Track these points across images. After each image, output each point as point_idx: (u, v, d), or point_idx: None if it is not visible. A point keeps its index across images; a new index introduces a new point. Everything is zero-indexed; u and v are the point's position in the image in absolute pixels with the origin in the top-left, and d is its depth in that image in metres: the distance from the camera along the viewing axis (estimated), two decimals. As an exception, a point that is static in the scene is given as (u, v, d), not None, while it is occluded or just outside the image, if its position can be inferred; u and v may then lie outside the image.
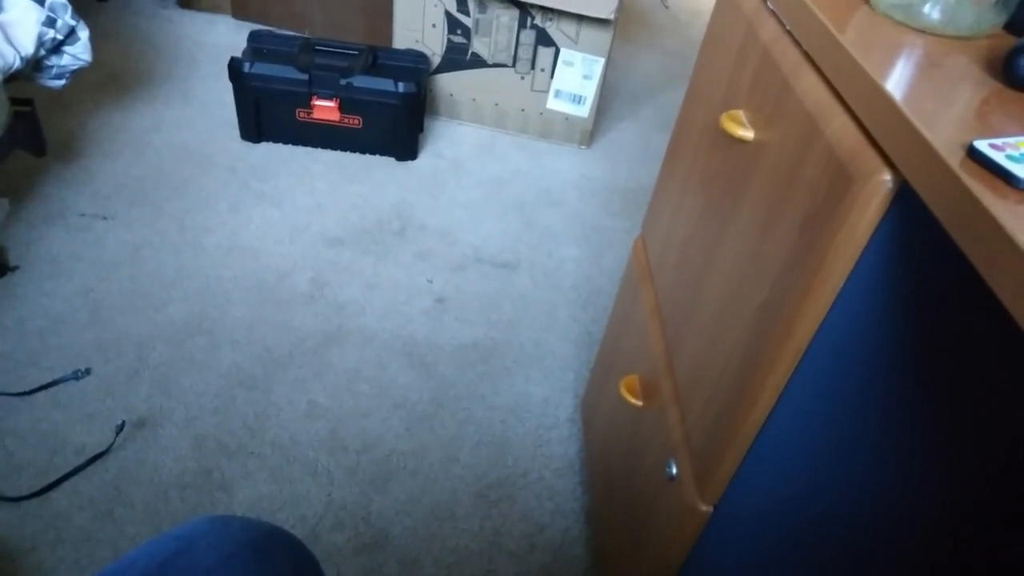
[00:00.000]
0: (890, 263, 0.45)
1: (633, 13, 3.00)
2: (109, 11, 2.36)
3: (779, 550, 0.55)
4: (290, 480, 1.17)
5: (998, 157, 0.37)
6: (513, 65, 1.99)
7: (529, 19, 1.91)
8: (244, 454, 1.19)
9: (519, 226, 1.78)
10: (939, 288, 0.40)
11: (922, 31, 0.54)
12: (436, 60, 2.02)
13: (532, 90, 2.03)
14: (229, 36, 2.33)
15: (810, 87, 0.56)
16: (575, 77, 1.98)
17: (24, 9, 1.35)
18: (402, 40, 2.00)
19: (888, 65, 0.49)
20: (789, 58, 0.60)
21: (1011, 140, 0.39)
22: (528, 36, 1.93)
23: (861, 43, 0.51)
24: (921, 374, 0.41)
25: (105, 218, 1.60)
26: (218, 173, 1.78)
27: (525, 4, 1.87)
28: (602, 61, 1.94)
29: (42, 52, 1.42)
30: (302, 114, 1.84)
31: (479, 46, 1.97)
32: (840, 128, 0.50)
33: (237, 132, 1.90)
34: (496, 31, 1.94)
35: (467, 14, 1.93)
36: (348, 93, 1.81)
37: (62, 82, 1.51)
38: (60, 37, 1.44)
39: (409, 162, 1.93)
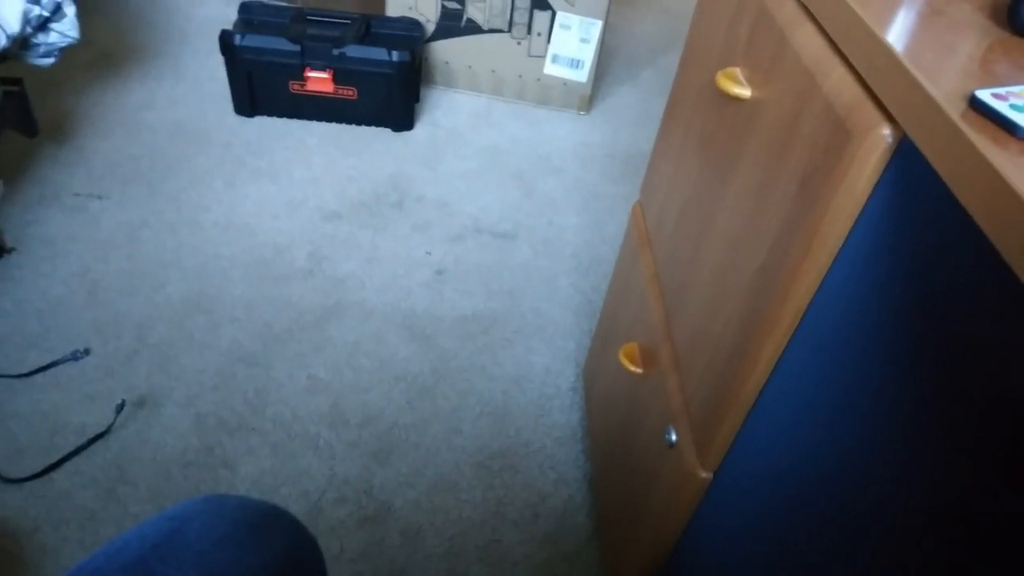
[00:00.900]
0: (890, 220, 0.44)
1: (631, -26, 2.94)
2: (97, -14, 2.33)
3: (779, 515, 0.55)
4: (292, 455, 1.17)
5: (1001, 107, 0.36)
6: (509, 30, 1.95)
7: (524, -18, 1.87)
8: (246, 430, 1.19)
9: (518, 195, 1.76)
10: (940, 246, 0.39)
11: (924, -23, 0.52)
12: (430, 27, 1.98)
13: (529, 55, 1.99)
14: (219, 8, 2.29)
15: (807, 40, 0.54)
16: (572, 41, 1.95)
17: (7, -15, 1.33)
18: (395, 7, 1.96)
19: (888, 14, 0.47)
20: (786, 10, 0.58)
21: (1015, 89, 0.37)
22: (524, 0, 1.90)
23: (859, -9, 0.49)
24: (921, 335, 0.40)
25: (100, 198, 1.59)
26: (213, 150, 1.76)
27: (519, -33, 1.83)
28: (600, 23, 1.90)
29: (28, 30, 1.40)
30: (295, 86, 1.82)
31: (474, 11, 1.93)
32: (838, 81, 0.48)
33: (231, 107, 1.87)
34: (490, -4, 1.90)
35: (460, -21, 1.89)
36: (341, 63, 1.78)
37: (51, 60, 1.49)
38: (46, 14, 1.41)
39: (405, 132, 1.91)
